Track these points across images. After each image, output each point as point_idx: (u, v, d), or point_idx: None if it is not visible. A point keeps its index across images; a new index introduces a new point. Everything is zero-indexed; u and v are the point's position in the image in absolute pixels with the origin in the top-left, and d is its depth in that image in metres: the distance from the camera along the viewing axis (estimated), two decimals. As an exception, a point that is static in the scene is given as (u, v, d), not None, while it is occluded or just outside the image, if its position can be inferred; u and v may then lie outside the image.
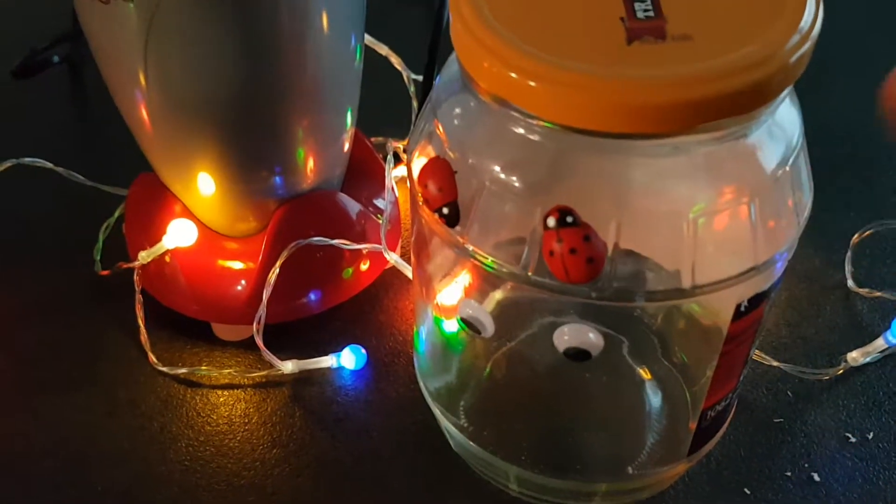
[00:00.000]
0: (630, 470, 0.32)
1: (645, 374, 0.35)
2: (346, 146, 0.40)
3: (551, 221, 0.23)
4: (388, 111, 0.45)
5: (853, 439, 0.36)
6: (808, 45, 0.22)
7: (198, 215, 0.39)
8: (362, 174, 0.42)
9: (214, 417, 0.37)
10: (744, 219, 0.25)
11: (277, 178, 0.37)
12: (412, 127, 0.30)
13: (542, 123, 0.23)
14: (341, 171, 0.41)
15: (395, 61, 0.45)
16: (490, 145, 0.25)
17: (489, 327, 0.29)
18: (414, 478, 0.35)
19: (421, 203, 0.27)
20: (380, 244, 0.40)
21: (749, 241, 0.25)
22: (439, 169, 0.26)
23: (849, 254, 0.43)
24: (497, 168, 0.25)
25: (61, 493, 0.34)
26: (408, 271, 0.40)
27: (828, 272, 0.43)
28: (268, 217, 0.38)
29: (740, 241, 0.25)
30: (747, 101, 0.22)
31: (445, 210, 0.26)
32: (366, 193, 0.42)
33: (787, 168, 0.25)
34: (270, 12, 0.32)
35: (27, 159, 0.44)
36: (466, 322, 0.29)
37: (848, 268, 0.43)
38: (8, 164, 0.44)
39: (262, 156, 0.36)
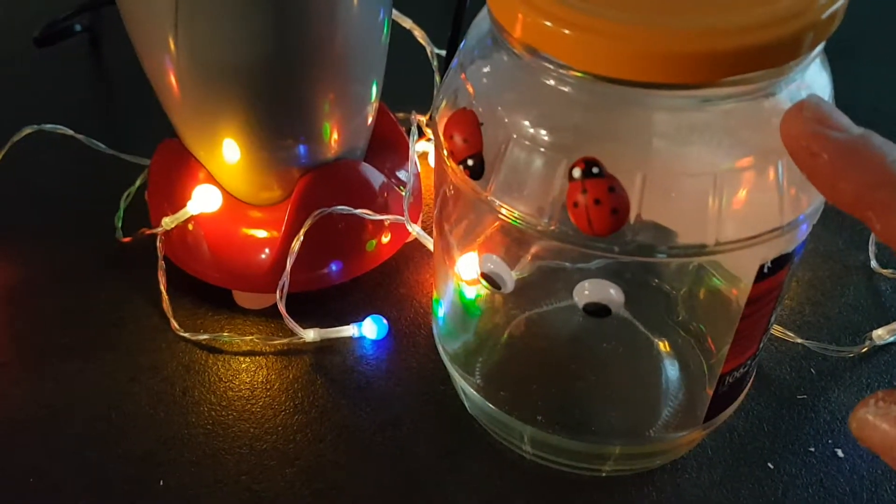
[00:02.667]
0: (647, 433, 0.32)
1: (663, 344, 0.35)
2: (371, 118, 0.40)
3: (577, 172, 0.23)
4: (411, 85, 0.45)
5: (877, 416, 0.36)
6: (840, 2, 0.22)
7: (222, 183, 0.39)
8: (385, 146, 0.42)
9: (236, 383, 0.37)
10: (770, 179, 0.24)
11: (302, 147, 0.37)
12: (437, 89, 0.30)
13: (574, 73, 0.23)
14: (365, 143, 0.41)
15: (419, 35, 0.45)
16: (520, 98, 0.25)
17: (509, 283, 0.29)
18: (432, 444, 0.35)
19: (446, 157, 0.27)
20: (402, 216, 0.40)
21: (775, 202, 0.25)
22: (465, 120, 0.26)
23: (872, 235, 0.42)
24: (526, 122, 0.25)
25: (86, 457, 0.34)
26: (429, 243, 0.40)
27: (851, 252, 0.43)
28: (291, 185, 0.39)
29: (766, 200, 0.25)
30: (778, 55, 0.22)
31: (470, 161, 0.26)
32: (388, 165, 0.42)
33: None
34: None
35: (48, 126, 0.44)
36: (487, 277, 0.29)
37: (871, 248, 0.42)
38: (28, 130, 0.44)
39: (288, 124, 0.37)
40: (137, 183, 0.45)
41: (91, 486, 0.33)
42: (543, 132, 0.25)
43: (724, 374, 0.29)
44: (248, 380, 0.37)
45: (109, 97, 0.54)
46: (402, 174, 0.42)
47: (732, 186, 0.24)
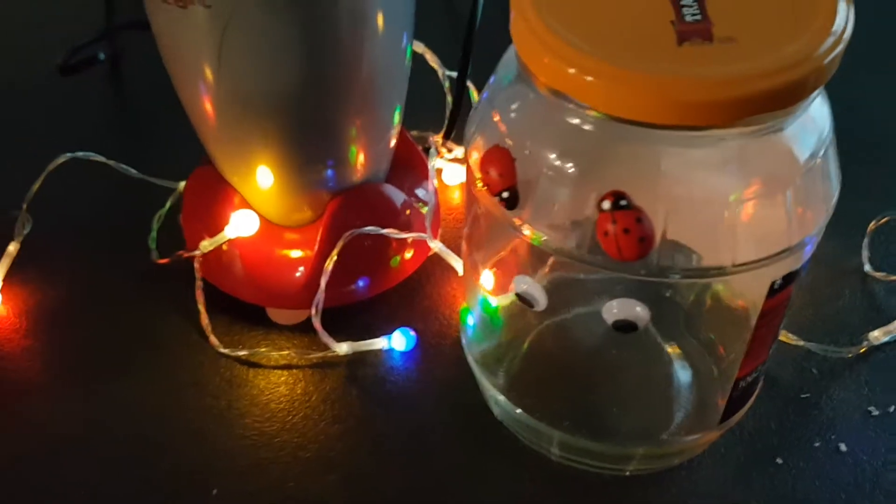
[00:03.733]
0: (666, 436, 0.35)
1: (674, 350, 0.38)
2: (394, 141, 0.42)
3: (606, 204, 0.26)
4: (422, 106, 0.47)
5: (876, 412, 0.39)
6: (841, 47, 0.25)
7: (255, 206, 0.41)
8: (404, 166, 0.44)
9: (277, 396, 0.39)
10: (779, 206, 0.27)
11: (332, 171, 0.40)
12: (467, 120, 0.32)
13: (595, 114, 0.26)
14: (388, 164, 0.43)
15: (430, 58, 0.47)
16: (546, 134, 0.28)
17: (542, 301, 0.32)
18: (462, 449, 0.37)
19: (480, 188, 0.29)
20: (424, 233, 0.42)
21: (784, 226, 0.27)
22: (500, 157, 0.28)
23: (866, 240, 0.45)
24: (552, 155, 0.27)
25: (136, 472, 0.37)
26: (450, 258, 0.43)
27: (845, 257, 0.45)
28: (321, 207, 0.41)
29: (775, 225, 0.27)
30: (786, 98, 0.25)
31: (505, 194, 0.28)
32: (408, 185, 0.44)
33: (819, 159, 0.27)
34: (332, 14, 0.34)
35: (80, 153, 0.46)
36: (521, 297, 0.32)
37: (865, 253, 0.45)
38: (63, 158, 0.46)
39: (318, 149, 0.39)
40: (168, 205, 0.47)
41: (142, 499, 0.36)
42: (569, 166, 0.27)
43: (739, 379, 0.32)
44: (288, 392, 0.40)
45: (135, 123, 0.56)
46: (420, 192, 0.45)
47: (746, 214, 0.26)
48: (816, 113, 0.27)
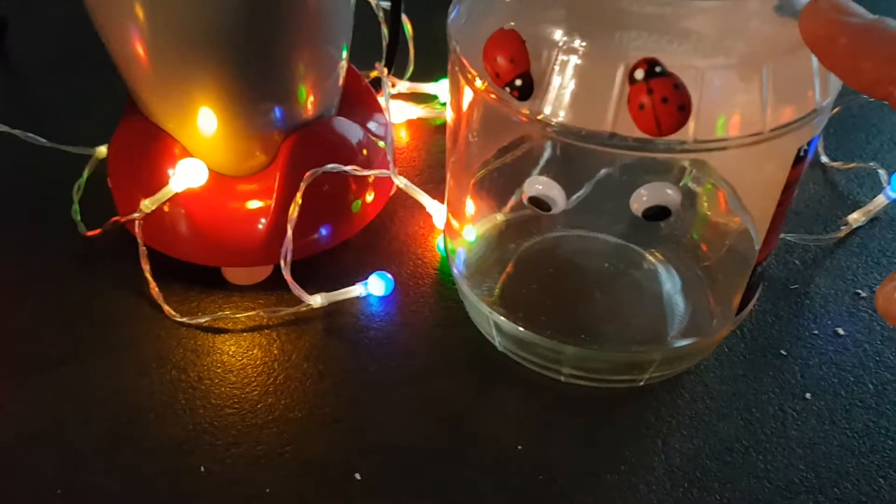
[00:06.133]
0: (679, 339, 0.33)
1: (658, 258, 0.36)
2: (342, 76, 0.39)
3: (639, 74, 0.24)
4: (359, 37, 0.44)
5: (864, 294, 0.39)
6: None
7: (200, 157, 0.37)
8: (352, 102, 0.41)
9: (252, 359, 0.36)
10: (806, 65, 0.26)
11: (281, 110, 0.36)
12: (449, 9, 0.30)
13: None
14: (338, 100, 0.40)
15: (363, -10, 0.44)
16: (553, 6, 0.25)
17: (560, 201, 0.29)
18: (466, 385, 0.35)
19: (481, 86, 0.27)
20: (386, 169, 0.39)
21: (812, 86, 0.26)
22: (509, 40, 0.25)
23: (818, 132, 0.45)
24: (563, 31, 0.25)
25: (115, 457, 0.32)
26: (417, 194, 0.40)
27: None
28: (273, 150, 0.37)
29: (804, 87, 0.26)
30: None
31: (518, 82, 0.26)
32: (359, 119, 0.41)
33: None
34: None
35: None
36: (536, 200, 0.30)
37: (820, 144, 0.45)
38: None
39: (265, 87, 0.35)
40: (86, 174, 0.42)
41: (131, 485, 0.31)
42: (584, 40, 0.25)
43: (758, 264, 0.31)
44: (263, 354, 0.36)
45: (30, 89, 0.50)
46: (372, 126, 0.42)
47: (778, 74, 0.25)
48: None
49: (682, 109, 0.24)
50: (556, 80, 0.25)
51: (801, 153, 0.27)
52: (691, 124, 0.24)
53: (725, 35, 0.25)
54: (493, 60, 0.26)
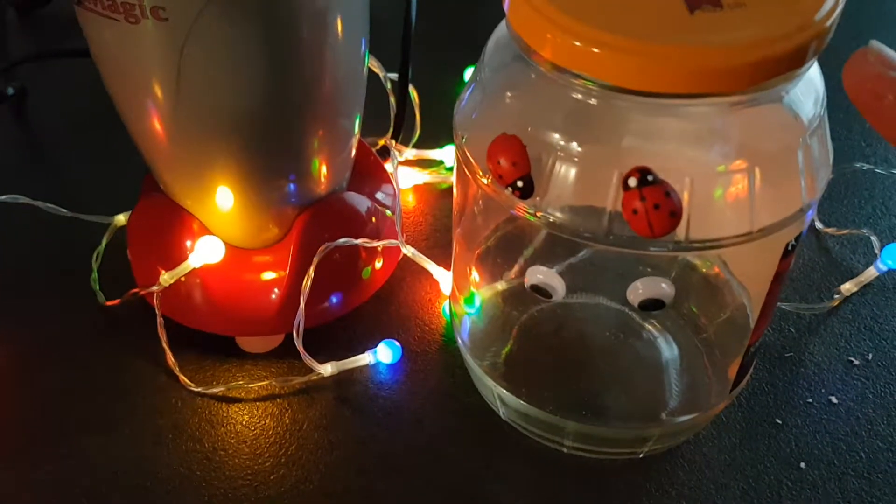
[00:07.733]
0: (677, 415, 0.34)
1: (656, 327, 0.38)
2: (354, 149, 0.40)
3: (632, 181, 0.25)
4: (368, 110, 0.46)
5: (857, 362, 0.40)
6: (838, 12, 0.25)
7: (216, 231, 0.39)
8: (362, 173, 0.43)
9: (264, 429, 0.37)
10: (793, 168, 0.27)
11: (296, 185, 0.38)
12: (454, 110, 0.31)
13: (603, 88, 0.25)
14: (349, 174, 0.41)
15: (371, 62, 0.45)
16: (554, 114, 0.27)
17: (560, 290, 0.31)
18: (471, 455, 0.36)
19: (485, 182, 0.28)
20: (394, 239, 0.41)
21: (798, 188, 0.27)
22: (510, 145, 0.27)
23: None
24: (563, 136, 0.27)
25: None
26: (424, 262, 0.41)
27: (797, 218, 0.47)
28: (287, 224, 0.39)
29: (791, 188, 0.27)
30: (799, 59, 0.25)
31: (520, 183, 0.27)
32: (368, 191, 0.43)
33: (821, 118, 0.28)
34: (293, 22, 0.32)
35: (3, 197, 0.42)
36: (537, 288, 0.31)
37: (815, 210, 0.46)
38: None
39: (283, 164, 0.37)
40: (104, 242, 0.44)
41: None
42: (581, 145, 0.26)
43: (751, 345, 0.32)
44: (275, 424, 0.37)
45: (49, 157, 0.52)
46: (380, 196, 0.43)
47: (764, 178, 0.26)
48: (814, 75, 0.28)
49: (674, 215, 0.25)
50: (555, 182, 0.27)
51: (790, 247, 0.29)
52: (683, 226, 0.26)
53: (714, 140, 0.27)
54: (496, 163, 0.28)
